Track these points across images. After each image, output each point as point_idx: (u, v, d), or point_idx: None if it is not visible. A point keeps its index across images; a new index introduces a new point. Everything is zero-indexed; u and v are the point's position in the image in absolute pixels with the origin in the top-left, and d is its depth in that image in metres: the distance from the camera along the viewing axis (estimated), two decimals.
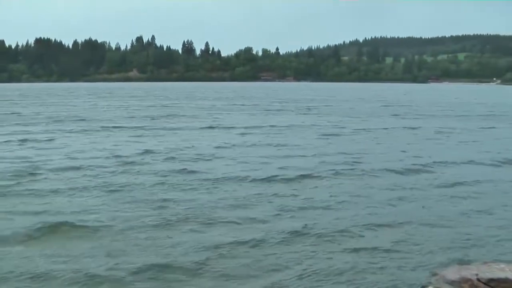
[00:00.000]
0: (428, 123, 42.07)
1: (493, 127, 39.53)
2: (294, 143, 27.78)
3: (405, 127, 38.38)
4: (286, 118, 46.59)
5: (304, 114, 53.32)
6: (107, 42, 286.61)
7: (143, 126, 37.00)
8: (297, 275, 9.96)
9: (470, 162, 22.64)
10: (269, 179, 18.07)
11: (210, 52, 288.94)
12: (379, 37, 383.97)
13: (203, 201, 15.09)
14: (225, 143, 27.50)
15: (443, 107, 66.57)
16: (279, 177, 18.46)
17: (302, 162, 21.73)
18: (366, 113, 53.75)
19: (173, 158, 22.51)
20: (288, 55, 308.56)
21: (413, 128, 37.81)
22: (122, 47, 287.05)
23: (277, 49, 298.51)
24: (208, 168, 20.04)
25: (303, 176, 18.73)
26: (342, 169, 20.15)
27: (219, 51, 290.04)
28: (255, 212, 14.10)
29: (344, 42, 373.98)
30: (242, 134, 32.68)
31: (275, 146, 26.86)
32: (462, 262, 10.35)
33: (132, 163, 21.12)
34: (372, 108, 64.14)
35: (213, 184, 17.34)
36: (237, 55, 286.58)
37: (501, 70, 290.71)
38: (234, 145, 26.72)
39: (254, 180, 18.05)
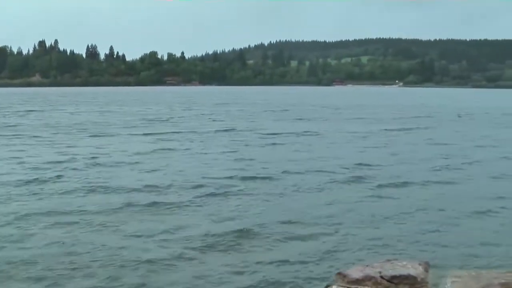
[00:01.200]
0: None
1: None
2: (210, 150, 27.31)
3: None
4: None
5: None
6: (9, 46, 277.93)
7: None
8: None
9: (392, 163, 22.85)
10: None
11: (114, 56, 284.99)
12: (284, 40, 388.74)
13: None
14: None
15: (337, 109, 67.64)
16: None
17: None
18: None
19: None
20: (194, 59, 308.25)
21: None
22: (24, 52, 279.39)
23: (183, 53, 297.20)
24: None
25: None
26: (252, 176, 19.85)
27: (123, 56, 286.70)
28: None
29: (249, 46, 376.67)
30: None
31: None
32: (367, 261, 10.28)
33: None
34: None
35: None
36: (142, 59, 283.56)
37: (403, 73, 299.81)
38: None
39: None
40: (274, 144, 29.61)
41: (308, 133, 35.56)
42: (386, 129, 39.35)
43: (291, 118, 51.64)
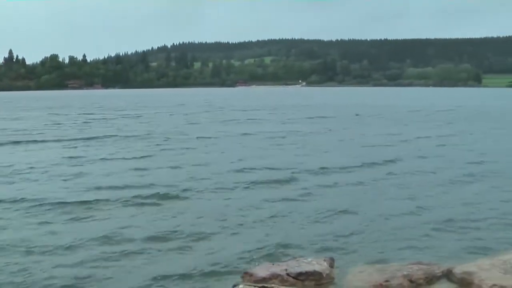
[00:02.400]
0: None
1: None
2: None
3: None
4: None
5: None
6: None
7: None
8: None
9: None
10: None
11: (14, 60, 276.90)
12: (187, 42, 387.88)
13: None
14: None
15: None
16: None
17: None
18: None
19: None
20: (96, 62, 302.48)
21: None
22: None
23: (84, 56, 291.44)
24: None
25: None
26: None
27: (23, 59, 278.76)
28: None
29: (152, 48, 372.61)
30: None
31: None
32: (274, 259, 10.37)
33: None
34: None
35: None
36: (43, 62, 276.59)
37: (306, 73, 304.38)
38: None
39: None
40: (188, 148, 29.04)
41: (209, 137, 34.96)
42: (297, 131, 39.44)
43: (204, 121, 51.07)
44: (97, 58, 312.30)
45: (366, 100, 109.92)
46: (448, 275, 9.76)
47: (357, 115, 59.26)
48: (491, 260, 9.77)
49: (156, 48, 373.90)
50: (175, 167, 21.90)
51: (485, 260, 9.88)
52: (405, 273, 9.62)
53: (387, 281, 9.38)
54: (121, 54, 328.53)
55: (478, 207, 15.41)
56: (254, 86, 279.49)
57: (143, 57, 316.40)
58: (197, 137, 33.95)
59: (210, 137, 34.19)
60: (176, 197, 16.36)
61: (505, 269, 9.40)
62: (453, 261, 10.42)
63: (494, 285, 9.10)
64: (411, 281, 9.43)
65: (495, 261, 9.71)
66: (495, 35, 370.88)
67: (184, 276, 10.02)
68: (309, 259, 9.96)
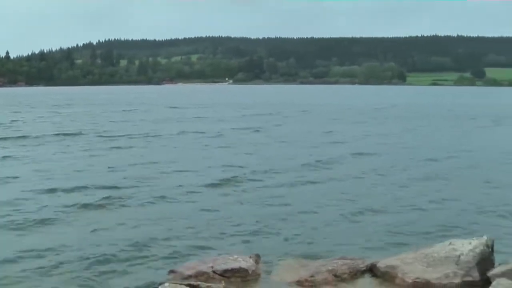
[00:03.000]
0: None
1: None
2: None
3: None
4: None
5: None
6: None
7: None
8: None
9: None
10: None
11: None
12: (113, 39, 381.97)
13: None
14: None
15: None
16: None
17: None
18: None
19: None
20: (20, 59, 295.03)
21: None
22: None
23: (7, 53, 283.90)
24: None
25: None
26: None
27: None
28: None
29: (77, 45, 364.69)
30: None
31: None
32: (200, 257, 10.33)
33: None
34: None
35: None
36: None
37: (232, 71, 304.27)
38: None
39: None
40: (119, 147, 28.42)
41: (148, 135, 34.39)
42: (233, 128, 39.33)
43: (135, 119, 50.19)
44: (20, 55, 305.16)
45: (295, 98, 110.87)
46: (372, 269, 9.91)
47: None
48: (414, 254, 9.95)
49: (81, 45, 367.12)
50: (112, 168, 21.40)
51: (408, 254, 10.05)
52: (329, 268, 9.71)
53: (312, 276, 9.45)
54: (45, 51, 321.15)
55: (403, 203, 15.74)
56: (180, 84, 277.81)
57: (68, 54, 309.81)
58: (129, 136, 33.23)
59: (144, 136, 33.61)
60: (109, 199, 16.00)
61: (427, 263, 9.59)
62: (377, 256, 10.57)
63: (417, 278, 9.28)
64: (335, 276, 9.53)
65: (418, 254, 9.89)
66: (419, 35, 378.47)
67: (107, 273, 9.90)
68: (235, 256, 9.95)
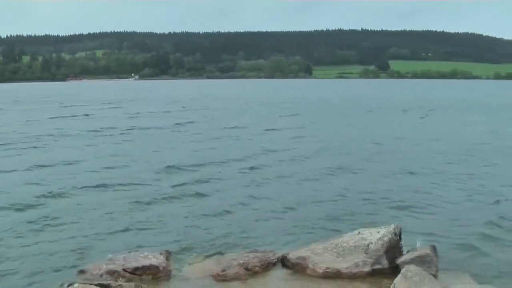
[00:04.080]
0: None
1: None
2: None
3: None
4: None
5: None
6: None
7: None
8: None
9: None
10: None
11: None
12: (14, 35, 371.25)
13: None
14: None
15: None
16: None
17: None
18: None
19: None
20: None
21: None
22: None
23: None
24: None
25: None
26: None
27: None
28: None
29: None
30: None
31: None
32: (111, 254, 10.11)
33: None
34: None
35: None
36: None
37: (138, 66, 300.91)
38: None
39: None
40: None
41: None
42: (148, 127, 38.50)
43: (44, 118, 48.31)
44: None
45: (204, 91, 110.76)
46: (283, 261, 9.98)
47: (183, 107, 59.55)
48: (324, 244, 10.07)
49: None
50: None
51: (318, 244, 10.16)
52: (241, 261, 9.69)
53: (223, 270, 9.42)
54: None
55: (313, 196, 15.91)
56: (85, 80, 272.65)
57: None
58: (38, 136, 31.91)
59: (52, 135, 32.34)
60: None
61: (337, 253, 9.72)
62: (288, 248, 10.62)
63: (328, 268, 9.39)
64: (247, 269, 9.52)
65: (328, 245, 10.01)
66: (324, 29, 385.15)
67: (11, 274, 9.58)
68: (145, 253, 9.81)
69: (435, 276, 9.12)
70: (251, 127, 36.53)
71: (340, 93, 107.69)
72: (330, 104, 66.37)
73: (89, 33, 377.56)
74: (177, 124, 38.55)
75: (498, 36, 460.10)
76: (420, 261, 9.33)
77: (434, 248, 9.77)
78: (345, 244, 9.86)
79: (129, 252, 10.11)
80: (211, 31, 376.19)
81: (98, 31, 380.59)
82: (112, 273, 9.09)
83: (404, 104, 65.34)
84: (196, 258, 10.31)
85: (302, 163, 21.92)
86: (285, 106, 60.82)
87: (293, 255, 9.89)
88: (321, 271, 9.39)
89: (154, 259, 9.56)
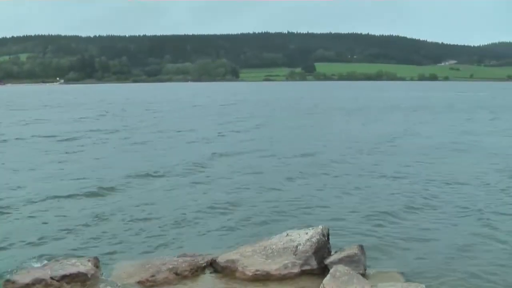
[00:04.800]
0: None
1: None
2: None
3: None
4: None
5: None
6: None
7: None
8: None
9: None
10: None
11: None
12: None
13: None
14: None
15: None
16: None
17: None
18: None
19: None
20: None
21: None
22: None
23: None
24: None
25: None
26: None
27: None
28: None
29: None
30: None
31: None
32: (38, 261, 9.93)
33: None
34: None
35: None
36: None
37: (63, 70, 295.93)
38: None
39: None
40: None
41: None
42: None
43: None
44: None
45: (134, 96, 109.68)
46: (212, 264, 9.97)
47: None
48: (253, 247, 10.10)
49: None
50: None
51: (247, 247, 10.20)
52: (170, 266, 9.65)
53: (153, 276, 9.36)
54: None
55: (242, 200, 15.93)
56: (9, 84, 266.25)
57: None
58: None
59: None
60: None
61: (266, 255, 9.77)
62: (217, 251, 10.62)
63: (257, 270, 9.42)
64: (176, 274, 9.49)
65: (257, 247, 10.05)
66: (250, 31, 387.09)
67: None
68: (73, 261, 9.66)
69: (363, 275, 9.28)
70: (194, 131, 36.39)
71: (276, 95, 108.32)
72: (268, 106, 66.72)
73: (12, 37, 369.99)
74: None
75: (422, 38, 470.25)
76: (348, 260, 9.47)
77: (361, 248, 9.93)
78: (274, 246, 9.92)
79: (57, 260, 9.93)
80: (137, 35, 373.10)
81: (22, 35, 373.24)
82: (39, 281, 8.91)
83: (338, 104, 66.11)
84: (125, 264, 10.19)
85: (234, 166, 21.91)
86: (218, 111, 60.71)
87: (222, 259, 9.89)
88: (250, 274, 9.42)
89: (82, 266, 9.41)
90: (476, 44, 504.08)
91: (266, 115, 52.77)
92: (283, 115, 52.43)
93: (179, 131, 35.89)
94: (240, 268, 9.58)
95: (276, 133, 34.81)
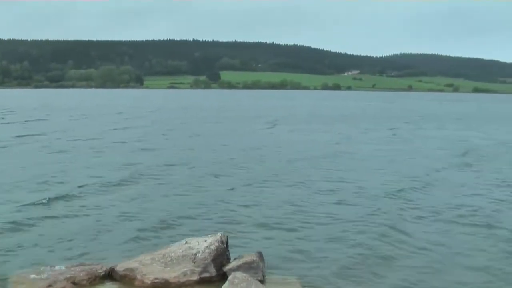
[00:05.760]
0: None
1: None
2: None
3: None
4: None
5: None
6: None
7: None
8: None
9: None
10: None
11: None
12: None
13: None
14: None
15: None
16: None
17: None
18: None
19: None
20: None
21: None
22: None
23: None
24: None
25: None
26: None
27: None
28: None
29: None
30: None
31: None
32: None
33: None
34: None
35: None
36: None
37: None
38: None
39: None
40: None
41: None
42: None
43: None
44: None
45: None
46: (111, 273, 9.88)
47: None
48: (152, 255, 10.10)
49: None
50: None
51: (146, 255, 10.18)
52: (67, 276, 9.51)
53: (50, 286, 9.21)
54: None
55: (140, 208, 15.87)
56: None
57: None
58: None
59: None
60: None
61: (165, 263, 9.78)
62: (116, 259, 10.54)
63: (156, 278, 9.42)
64: (74, 283, 9.37)
65: (156, 255, 10.05)
66: (155, 38, 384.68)
67: None
68: None
69: (262, 281, 9.41)
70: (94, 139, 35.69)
71: (183, 102, 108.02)
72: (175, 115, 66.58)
73: None
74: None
75: (326, 48, 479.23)
76: (247, 267, 9.59)
77: (260, 254, 10.08)
78: (173, 254, 9.94)
79: None
80: (39, 39, 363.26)
81: None
82: None
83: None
84: (21, 273, 9.96)
85: (134, 174, 21.73)
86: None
87: (121, 267, 9.83)
88: (149, 282, 9.41)
89: None
90: (379, 55, 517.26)
91: (171, 123, 52.67)
92: (175, 124, 52.39)
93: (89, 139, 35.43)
94: (139, 277, 9.54)
95: (175, 142, 34.69)
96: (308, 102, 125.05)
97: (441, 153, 30.42)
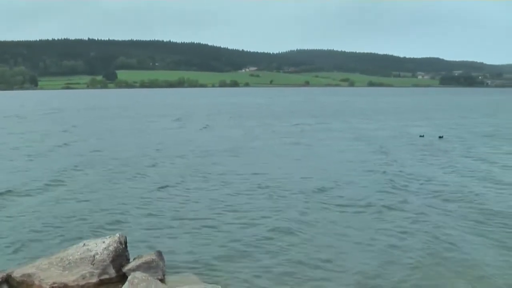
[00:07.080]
0: None
1: None
2: None
3: None
4: None
5: None
6: None
7: None
8: None
9: None
10: None
11: None
12: None
13: None
14: None
15: None
16: None
17: None
18: None
19: None
20: None
21: None
22: None
23: None
24: None
25: None
26: None
27: None
28: None
29: None
30: None
31: None
32: None
33: None
34: None
35: None
36: None
37: None
38: None
39: None
40: None
41: None
42: None
43: None
44: None
45: None
46: (8, 280, 9.70)
47: None
48: (49, 259, 9.97)
49: None
50: None
51: (43, 260, 10.05)
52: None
53: None
54: None
55: (30, 211, 15.58)
56: None
57: None
58: None
59: None
60: None
61: (63, 266, 9.69)
62: (12, 265, 10.37)
63: (54, 283, 9.33)
64: None
65: (53, 259, 9.93)
66: (49, 38, 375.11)
67: None
68: None
69: (162, 280, 9.49)
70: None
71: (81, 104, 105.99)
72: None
73: None
74: None
75: (223, 46, 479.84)
76: (147, 267, 9.65)
77: (160, 253, 10.15)
78: (70, 257, 9.86)
79: None
80: None
81: None
82: None
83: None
84: None
85: (30, 177, 21.28)
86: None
87: (17, 273, 9.67)
88: (48, 287, 9.30)
89: None
90: (275, 52, 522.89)
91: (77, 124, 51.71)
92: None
93: None
94: (37, 282, 9.42)
95: (77, 144, 34.17)
96: (206, 100, 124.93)
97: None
